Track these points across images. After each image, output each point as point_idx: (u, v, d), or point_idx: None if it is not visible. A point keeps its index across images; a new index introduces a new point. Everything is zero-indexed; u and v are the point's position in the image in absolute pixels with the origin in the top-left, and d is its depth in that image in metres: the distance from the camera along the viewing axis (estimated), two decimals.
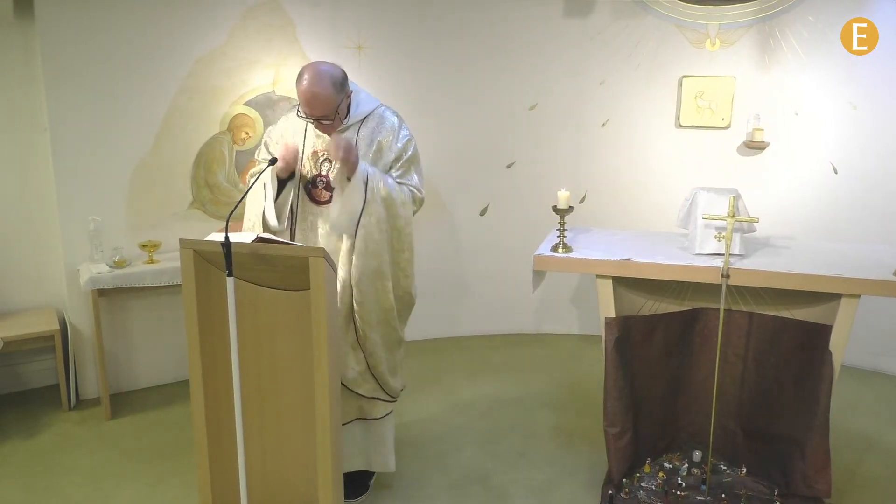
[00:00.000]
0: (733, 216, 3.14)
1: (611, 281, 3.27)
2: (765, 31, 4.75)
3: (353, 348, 3.05)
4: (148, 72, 4.19)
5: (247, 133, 4.49)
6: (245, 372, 2.54)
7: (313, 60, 2.98)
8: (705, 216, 3.23)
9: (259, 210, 2.93)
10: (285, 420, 2.66)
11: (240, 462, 2.55)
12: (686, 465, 3.47)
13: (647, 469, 3.43)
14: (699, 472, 3.42)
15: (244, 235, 2.63)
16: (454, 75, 5.00)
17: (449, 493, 3.43)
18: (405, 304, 3.14)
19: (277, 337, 2.60)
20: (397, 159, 3.02)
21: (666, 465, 3.49)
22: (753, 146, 4.84)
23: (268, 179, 2.92)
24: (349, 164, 2.85)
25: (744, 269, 3.14)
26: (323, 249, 2.51)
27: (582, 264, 3.37)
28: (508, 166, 5.18)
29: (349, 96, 2.95)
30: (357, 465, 3.27)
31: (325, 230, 2.99)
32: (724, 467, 3.46)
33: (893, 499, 3.40)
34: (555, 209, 3.39)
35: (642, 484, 3.37)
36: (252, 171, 3.20)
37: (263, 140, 3.19)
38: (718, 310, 3.22)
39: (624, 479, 3.35)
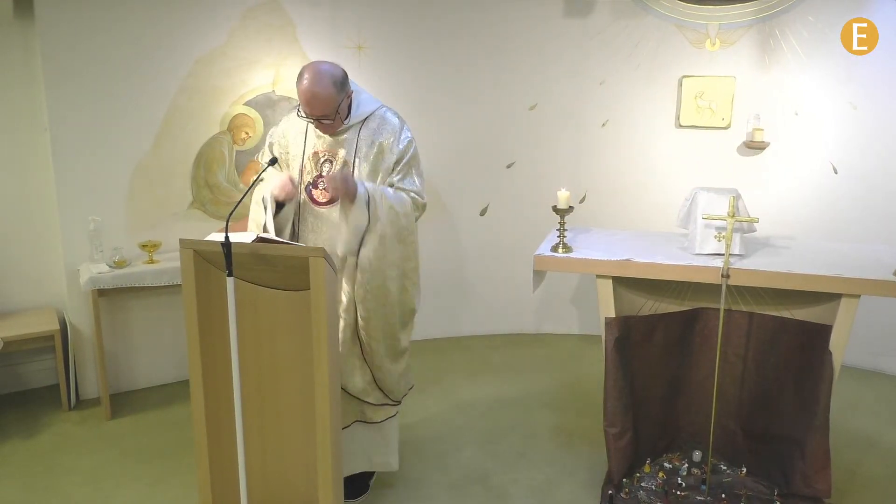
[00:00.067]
0: (733, 216, 3.14)
1: (611, 281, 3.27)
2: (765, 31, 4.75)
3: (360, 361, 3.06)
4: (148, 72, 4.19)
5: (247, 133, 4.49)
6: (245, 372, 2.54)
7: (313, 60, 2.98)
8: (705, 216, 3.23)
9: (261, 221, 2.93)
10: (285, 420, 2.66)
11: (240, 462, 2.55)
12: (686, 465, 3.47)
13: (647, 469, 3.43)
14: (699, 472, 3.42)
15: (244, 235, 2.63)
16: (454, 75, 5.00)
17: (449, 493, 3.43)
18: (409, 315, 3.14)
19: (277, 337, 2.60)
20: (398, 161, 3.00)
21: (666, 465, 3.50)
22: (753, 146, 4.84)
23: (268, 196, 2.91)
24: (349, 195, 2.82)
25: (744, 269, 3.14)
26: (323, 249, 2.51)
27: (582, 264, 3.37)
28: (508, 166, 5.19)
29: (350, 96, 2.95)
30: (359, 467, 3.26)
31: (327, 234, 2.98)
32: (724, 467, 3.46)
33: (893, 499, 3.40)
34: (555, 209, 3.39)
35: (642, 484, 3.37)
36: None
37: (268, 142, 3.17)
38: (718, 310, 3.22)
39: (624, 479, 3.35)
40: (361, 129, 3.00)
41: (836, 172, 4.75)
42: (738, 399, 3.41)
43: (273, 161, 2.98)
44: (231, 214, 2.51)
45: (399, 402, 3.23)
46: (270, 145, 3.14)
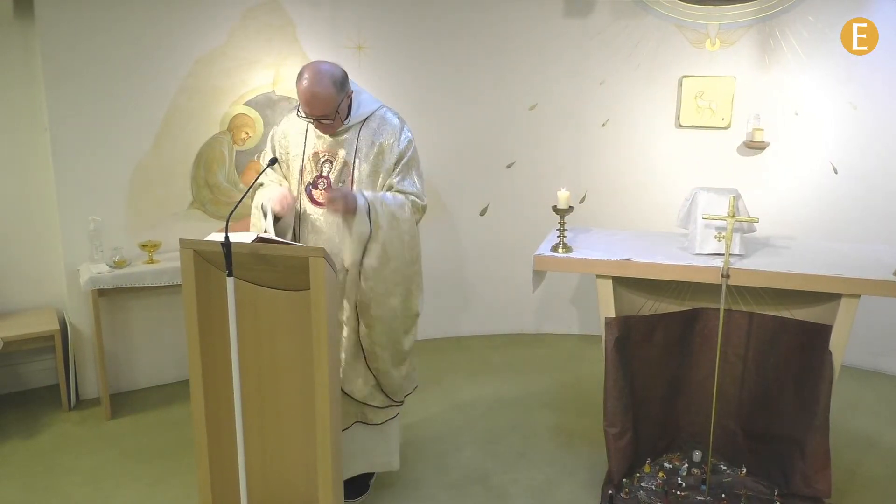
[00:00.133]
0: (733, 216, 3.14)
1: (611, 281, 3.27)
2: (765, 31, 4.75)
3: (364, 368, 3.06)
4: (148, 72, 4.19)
5: (247, 133, 4.49)
6: (245, 372, 2.54)
7: (313, 60, 2.98)
8: (705, 216, 3.23)
9: (261, 227, 2.93)
10: (285, 420, 2.66)
11: (240, 462, 2.55)
12: (686, 465, 3.47)
13: (647, 469, 3.43)
14: (699, 472, 3.42)
15: (244, 235, 2.63)
16: (454, 75, 5.00)
17: (449, 493, 3.43)
18: (413, 319, 3.14)
19: (277, 337, 2.60)
20: (398, 162, 2.99)
21: (666, 465, 3.50)
22: (753, 146, 4.84)
23: (267, 205, 2.91)
24: (349, 210, 2.82)
25: (744, 269, 3.14)
26: (323, 249, 2.51)
27: (582, 264, 3.37)
28: (508, 166, 5.19)
29: (350, 96, 2.94)
30: (360, 469, 3.25)
31: (328, 235, 2.98)
32: (724, 467, 3.46)
33: (893, 499, 3.40)
34: (555, 209, 3.39)
35: (642, 484, 3.37)
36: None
37: (269, 144, 3.16)
38: (718, 310, 3.22)
39: (624, 479, 3.35)
40: (362, 129, 2.99)
41: (836, 172, 4.75)
42: (738, 399, 3.41)
43: (273, 161, 2.99)
44: (231, 214, 2.51)
45: (401, 403, 3.23)
46: (273, 149, 3.13)
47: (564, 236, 3.42)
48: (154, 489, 3.45)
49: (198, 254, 2.54)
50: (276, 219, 2.92)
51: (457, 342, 5.22)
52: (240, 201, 2.78)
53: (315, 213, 3.01)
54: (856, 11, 4.41)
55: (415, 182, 3.03)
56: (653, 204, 5.03)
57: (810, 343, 3.17)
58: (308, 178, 3.02)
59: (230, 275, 2.43)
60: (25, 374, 4.42)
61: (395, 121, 3.04)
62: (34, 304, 4.37)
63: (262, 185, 3.12)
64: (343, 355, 3.02)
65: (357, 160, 2.97)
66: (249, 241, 2.54)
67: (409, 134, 3.05)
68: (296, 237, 3.04)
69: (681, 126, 4.98)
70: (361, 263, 2.89)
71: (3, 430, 3.96)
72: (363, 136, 2.98)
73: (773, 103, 4.80)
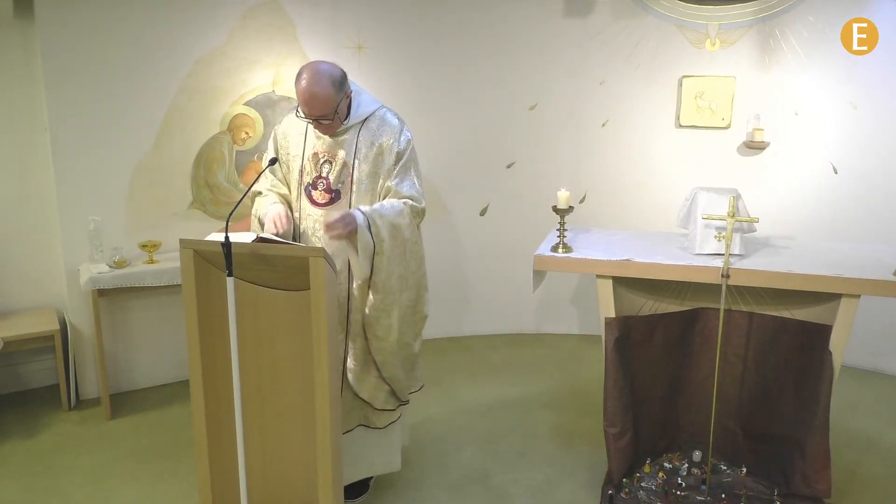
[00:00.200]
0: (733, 216, 3.14)
1: (611, 281, 3.27)
2: (765, 31, 4.75)
3: (377, 377, 3.06)
4: (148, 72, 4.19)
5: (247, 133, 4.49)
6: (245, 372, 2.54)
7: (312, 60, 2.97)
8: (705, 216, 3.23)
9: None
10: (285, 420, 2.66)
11: (240, 462, 2.55)
12: (686, 465, 3.47)
13: (647, 469, 3.43)
14: (699, 472, 3.42)
15: (244, 235, 2.63)
16: (454, 75, 5.00)
17: (449, 493, 3.43)
18: (422, 322, 3.15)
19: (277, 337, 2.60)
20: (396, 162, 2.98)
21: (666, 465, 3.50)
22: (753, 146, 4.84)
23: (266, 221, 2.93)
24: (350, 231, 2.79)
25: (744, 269, 3.14)
26: (323, 249, 2.51)
27: (582, 264, 3.37)
28: (508, 166, 5.19)
29: (349, 96, 2.93)
30: (361, 474, 3.24)
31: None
32: (724, 467, 3.46)
33: (893, 499, 3.40)
34: (555, 209, 3.39)
35: (642, 484, 3.37)
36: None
37: (271, 144, 3.15)
38: (718, 310, 3.22)
39: (624, 479, 3.35)
40: (361, 129, 2.99)
41: (836, 172, 4.75)
42: (738, 399, 3.42)
43: (273, 161, 2.99)
44: (231, 214, 2.51)
45: (407, 402, 3.23)
46: (275, 147, 3.12)
47: (564, 236, 3.42)
48: (154, 489, 3.45)
49: (198, 254, 2.54)
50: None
51: (457, 342, 5.22)
52: (240, 201, 2.79)
53: (314, 214, 3.00)
54: (856, 11, 4.41)
55: (414, 183, 3.01)
56: (653, 204, 5.03)
57: (810, 343, 3.17)
58: (307, 179, 3.01)
59: (230, 275, 2.43)
60: (25, 374, 4.42)
61: (395, 121, 3.03)
62: (34, 304, 4.37)
63: (259, 193, 3.11)
64: (352, 364, 3.02)
65: (356, 161, 2.96)
66: (249, 241, 2.55)
67: (409, 134, 3.04)
68: (295, 238, 3.04)
69: (681, 126, 4.98)
70: (370, 279, 2.88)
71: (3, 430, 3.96)
72: (362, 137, 2.98)
73: (773, 103, 4.80)
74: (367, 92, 3.09)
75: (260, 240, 2.58)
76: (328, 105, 2.82)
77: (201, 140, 4.39)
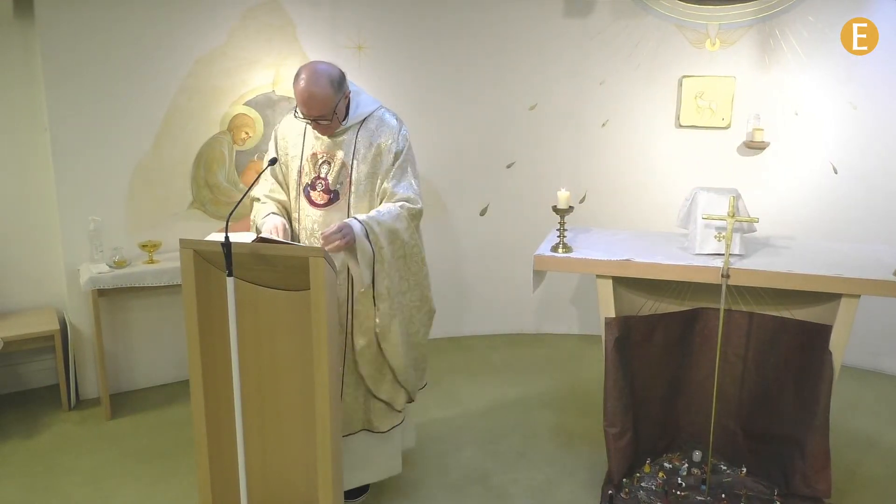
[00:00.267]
0: (733, 216, 3.14)
1: (611, 281, 3.27)
2: (765, 31, 4.75)
3: (393, 381, 3.07)
4: (148, 72, 4.19)
5: (247, 133, 4.49)
6: (245, 372, 2.54)
7: (311, 60, 2.97)
8: (705, 216, 3.23)
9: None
10: (285, 420, 2.66)
11: (240, 462, 2.55)
12: (686, 465, 3.47)
13: (647, 469, 3.43)
14: (699, 472, 3.42)
15: (244, 235, 2.63)
16: (454, 75, 5.00)
17: (449, 494, 3.43)
18: (430, 319, 3.16)
19: (277, 337, 2.60)
20: (393, 162, 2.97)
21: (666, 465, 3.50)
22: (753, 146, 4.84)
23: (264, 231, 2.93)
24: (348, 242, 2.77)
25: (744, 269, 3.14)
26: (323, 249, 2.51)
27: (582, 264, 3.37)
28: (508, 166, 5.18)
29: (347, 97, 2.93)
30: (363, 480, 3.24)
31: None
32: (724, 467, 3.46)
33: (893, 499, 3.40)
34: (555, 209, 3.39)
35: (642, 484, 3.37)
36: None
37: (272, 144, 3.15)
38: (718, 310, 3.22)
39: (624, 479, 3.35)
40: (360, 130, 2.98)
41: (836, 172, 4.75)
42: (738, 399, 3.41)
43: (274, 161, 2.98)
44: (231, 214, 2.51)
45: (412, 401, 3.23)
46: (275, 147, 3.12)
47: (564, 236, 3.42)
48: (154, 489, 3.45)
49: (198, 254, 2.54)
50: None
51: (457, 342, 5.22)
52: (240, 201, 2.78)
53: (313, 215, 3.00)
54: (856, 11, 4.41)
55: (411, 184, 3.00)
56: (653, 204, 5.03)
57: (810, 343, 3.17)
58: (306, 180, 3.01)
59: (230, 275, 2.43)
60: (25, 374, 4.42)
61: (394, 122, 3.02)
62: (34, 304, 4.37)
63: (257, 199, 3.11)
64: (367, 369, 3.02)
65: (355, 161, 2.96)
66: (249, 241, 2.55)
67: (407, 134, 3.03)
68: (294, 239, 3.04)
69: (681, 126, 4.98)
70: (374, 287, 2.88)
71: (3, 430, 3.96)
72: (361, 137, 2.97)
73: (773, 103, 4.80)
74: (365, 92, 3.08)
75: (260, 240, 2.58)
76: (327, 105, 2.81)
77: (201, 140, 4.39)
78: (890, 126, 4.57)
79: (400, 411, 3.16)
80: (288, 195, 3.10)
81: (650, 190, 5.08)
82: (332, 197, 2.97)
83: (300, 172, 3.02)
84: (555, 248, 3.41)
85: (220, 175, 4.46)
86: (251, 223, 3.11)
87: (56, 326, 4.11)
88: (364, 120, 2.99)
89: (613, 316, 3.28)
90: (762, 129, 4.79)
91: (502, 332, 5.38)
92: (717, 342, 3.24)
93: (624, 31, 4.94)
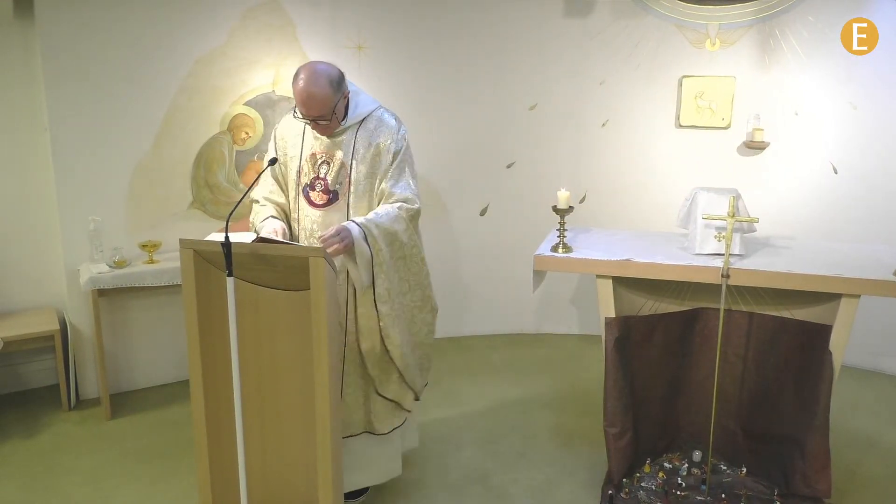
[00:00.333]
0: (733, 216, 3.14)
1: (611, 281, 3.27)
2: (765, 31, 4.75)
3: (399, 381, 3.08)
4: (148, 72, 4.19)
5: (247, 133, 4.49)
6: (245, 372, 2.54)
7: (310, 60, 2.97)
8: (705, 216, 3.23)
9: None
10: (285, 420, 2.65)
11: (240, 462, 2.54)
12: (686, 465, 3.47)
13: (647, 469, 3.43)
14: (699, 472, 3.42)
15: (244, 235, 2.63)
16: (454, 75, 5.00)
17: (449, 494, 3.43)
18: (433, 317, 3.17)
19: (277, 337, 2.60)
20: (392, 162, 2.97)
21: (666, 465, 3.50)
22: (753, 146, 4.84)
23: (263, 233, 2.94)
24: (347, 245, 2.77)
25: (744, 269, 3.14)
26: (323, 249, 2.51)
27: (582, 264, 3.37)
28: (508, 166, 5.18)
29: (346, 97, 2.92)
30: (364, 483, 3.24)
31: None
32: (724, 467, 3.46)
33: (893, 499, 3.40)
34: (555, 209, 3.39)
35: (642, 484, 3.37)
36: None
37: (272, 144, 3.15)
38: (718, 310, 3.22)
39: (624, 479, 3.35)
40: (359, 130, 2.98)
41: (836, 172, 4.75)
42: (738, 399, 3.41)
43: (274, 161, 2.98)
44: (231, 214, 2.51)
45: (417, 399, 3.24)
46: (275, 147, 3.12)
47: (564, 236, 3.42)
48: (154, 489, 3.45)
49: (198, 254, 2.54)
50: None
51: (457, 342, 5.22)
52: (240, 201, 2.78)
53: (312, 215, 3.00)
54: (856, 11, 4.41)
55: (409, 184, 2.99)
56: (653, 204, 5.03)
57: (810, 343, 3.17)
58: (305, 180, 3.01)
59: (230, 275, 2.43)
60: (25, 374, 4.42)
61: (392, 122, 3.02)
62: (34, 304, 4.37)
63: (256, 201, 3.11)
64: (374, 370, 3.03)
65: (354, 162, 2.95)
66: (249, 241, 2.54)
67: (405, 134, 3.03)
68: (293, 240, 3.03)
69: (681, 126, 4.98)
70: (374, 289, 2.88)
71: (3, 430, 3.96)
72: (360, 138, 2.97)
73: (773, 103, 4.80)
74: (364, 92, 3.08)
75: (260, 240, 2.58)
76: (326, 105, 2.81)
77: (201, 140, 4.39)
78: (890, 126, 4.57)
79: (409, 410, 3.18)
80: (287, 196, 3.09)
81: (650, 190, 5.08)
82: (332, 197, 2.97)
83: (299, 173, 3.02)
84: (555, 248, 3.41)
85: (220, 175, 4.46)
86: (250, 225, 3.11)
87: (56, 326, 4.11)
88: (363, 120, 2.99)
89: (613, 316, 3.28)
90: (762, 129, 4.80)
91: (502, 332, 5.38)
92: (717, 342, 3.24)
93: (624, 31, 4.94)
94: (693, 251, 3.31)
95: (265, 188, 3.11)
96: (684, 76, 4.90)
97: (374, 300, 2.90)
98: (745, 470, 3.40)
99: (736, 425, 3.44)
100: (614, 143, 5.11)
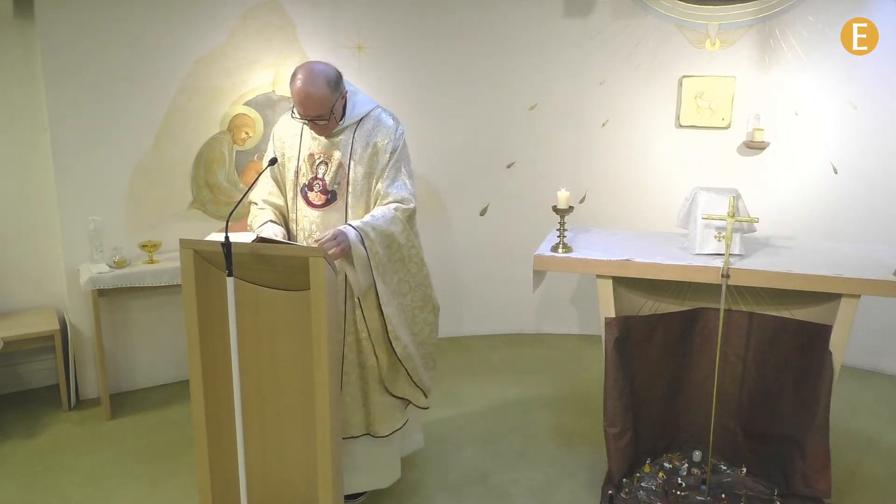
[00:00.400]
0: (733, 216, 3.14)
1: (611, 281, 3.27)
2: (765, 31, 4.75)
3: (409, 383, 3.11)
4: (148, 72, 4.19)
5: (247, 133, 4.49)
6: (245, 372, 2.54)
7: (308, 60, 2.97)
8: (705, 216, 3.23)
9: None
10: (285, 420, 2.66)
11: (240, 462, 2.55)
12: (686, 465, 3.47)
13: (647, 469, 3.43)
14: (699, 472, 3.42)
15: (244, 235, 2.63)
16: (454, 75, 4.99)
17: (449, 494, 3.43)
18: (436, 316, 3.17)
19: (277, 337, 2.60)
20: (388, 161, 2.96)
21: (666, 465, 3.50)
22: (753, 146, 4.84)
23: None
24: (344, 249, 2.76)
25: (744, 269, 3.14)
26: (323, 249, 2.51)
27: (582, 264, 3.37)
28: (508, 166, 5.18)
29: (344, 97, 2.92)
30: (364, 486, 3.23)
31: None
32: (724, 467, 3.46)
33: (893, 499, 3.40)
34: (555, 209, 3.39)
35: (642, 484, 3.37)
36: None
37: (270, 144, 3.15)
38: (718, 310, 3.22)
39: (624, 479, 3.35)
40: (357, 130, 2.97)
41: (836, 172, 4.75)
42: (738, 399, 3.41)
43: (273, 161, 2.98)
44: (231, 214, 2.51)
45: (426, 397, 3.25)
46: (273, 147, 3.12)
47: (564, 236, 3.42)
48: (154, 489, 3.45)
49: (198, 254, 2.54)
50: None
51: (457, 342, 5.22)
52: (240, 201, 2.78)
53: (311, 216, 2.99)
54: (856, 11, 4.41)
55: (405, 184, 2.99)
56: (653, 204, 5.03)
57: (810, 343, 3.17)
58: (303, 181, 3.00)
59: (230, 275, 2.43)
60: (25, 374, 4.42)
61: (390, 121, 3.02)
62: (34, 304, 4.37)
63: (255, 203, 3.10)
64: (385, 372, 3.04)
65: (352, 162, 2.95)
66: (249, 241, 2.55)
67: (403, 133, 3.03)
68: (292, 240, 3.03)
69: (681, 126, 4.98)
70: (376, 291, 2.88)
71: (3, 430, 3.96)
72: (358, 137, 2.97)
73: (773, 103, 4.80)
74: (362, 92, 3.08)
75: (260, 240, 2.58)
76: (324, 105, 2.81)
77: (201, 140, 4.39)
78: (890, 126, 4.57)
79: (426, 407, 3.22)
80: (285, 196, 3.09)
81: (650, 190, 5.08)
82: (330, 197, 2.97)
83: (297, 173, 3.02)
84: (555, 248, 3.41)
85: (220, 175, 4.46)
86: (248, 228, 3.10)
87: (56, 326, 4.11)
88: (361, 120, 2.98)
89: (613, 316, 3.27)
90: (762, 129, 4.79)
91: (502, 332, 5.38)
92: (717, 342, 3.24)
93: (624, 31, 4.94)
94: (693, 251, 3.31)
95: (264, 190, 3.10)
96: (684, 76, 4.90)
97: (378, 303, 2.90)
98: (745, 470, 3.40)
99: (736, 425, 3.44)
100: (614, 143, 5.11)
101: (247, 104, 4.46)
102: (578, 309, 5.37)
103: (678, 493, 3.31)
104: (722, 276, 3.13)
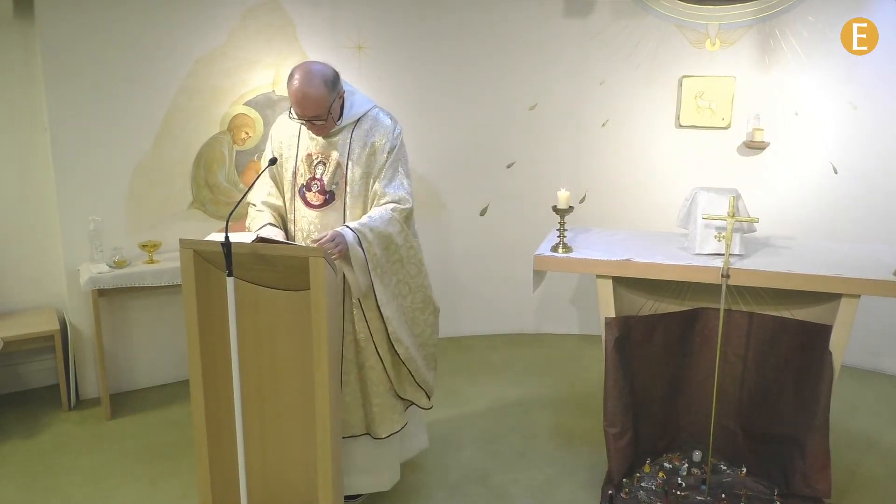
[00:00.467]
0: (733, 216, 3.14)
1: (611, 281, 3.27)
2: (765, 31, 4.75)
3: (412, 384, 3.11)
4: (148, 72, 4.19)
5: (247, 133, 4.49)
6: (245, 372, 2.54)
7: (305, 60, 2.96)
8: (705, 216, 3.23)
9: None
10: (285, 420, 2.66)
11: (240, 462, 2.55)
12: (686, 465, 3.47)
13: (647, 469, 3.44)
14: (699, 472, 3.42)
15: (244, 235, 2.63)
16: (454, 75, 4.99)
17: (449, 494, 3.43)
18: (436, 317, 3.17)
19: (277, 337, 2.60)
20: (386, 160, 2.96)
21: (666, 465, 3.50)
22: (753, 146, 4.84)
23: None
24: (341, 251, 2.76)
25: (744, 269, 3.14)
26: (323, 249, 2.51)
27: (582, 264, 3.37)
28: (508, 166, 5.18)
29: (342, 96, 2.92)
30: (363, 488, 3.23)
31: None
32: (724, 467, 3.46)
33: (893, 499, 3.40)
34: (555, 209, 3.39)
35: (642, 484, 3.37)
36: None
37: (269, 144, 3.15)
38: (718, 310, 3.22)
39: (624, 479, 3.35)
40: (354, 130, 2.97)
41: (836, 172, 4.75)
42: (738, 399, 3.42)
43: (273, 161, 2.98)
44: (231, 214, 2.51)
45: (429, 397, 3.26)
46: (272, 147, 3.12)
47: (564, 236, 3.42)
48: (154, 489, 3.45)
49: (198, 254, 2.54)
50: None
51: (457, 342, 5.22)
52: (240, 201, 2.78)
53: (309, 216, 2.99)
54: (856, 11, 4.41)
55: (402, 183, 2.98)
56: (653, 204, 5.03)
57: (810, 343, 3.17)
58: (301, 181, 3.00)
59: (230, 275, 2.43)
60: (25, 374, 4.42)
61: (388, 121, 3.01)
62: (34, 304, 4.37)
63: (253, 205, 3.10)
64: (392, 373, 3.04)
65: (350, 162, 2.95)
66: (249, 241, 2.54)
67: (400, 133, 3.02)
68: (290, 240, 3.03)
69: (681, 126, 4.98)
70: (374, 294, 2.88)
71: (3, 430, 3.96)
72: (356, 137, 2.96)
73: (773, 103, 4.80)
74: (360, 92, 3.07)
75: (260, 240, 2.58)
76: (321, 105, 2.80)
77: (201, 140, 4.39)
78: (890, 126, 4.57)
79: (429, 407, 3.22)
80: (283, 197, 3.09)
81: (650, 190, 5.08)
82: (328, 198, 2.96)
83: (295, 173, 3.01)
84: (555, 248, 3.41)
85: (220, 175, 4.46)
86: (246, 229, 3.10)
87: (56, 326, 4.11)
88: (358, 120, 2.98)
89: (613, 316, 3.28)
90: (762, 129, 4.80)
91: (502, 332, 5.38)
92: (717, 342, 3.24)
93: (624, 31, 4.94)
94: (693, 251, 3.31)
95: (263, 191, 3.09)
96: (684, 76, 4.90)
97: (377, 305, 2.90)
98: (745, 470, 3.40)
99: (736, 425, 3.44)
100: (614, 143, 5.11)
101: (247, 104, 4.46)
102: (578, 309, 5.37)
103: (678, 493, 3.31)
104: (722, 276, 3.13)
